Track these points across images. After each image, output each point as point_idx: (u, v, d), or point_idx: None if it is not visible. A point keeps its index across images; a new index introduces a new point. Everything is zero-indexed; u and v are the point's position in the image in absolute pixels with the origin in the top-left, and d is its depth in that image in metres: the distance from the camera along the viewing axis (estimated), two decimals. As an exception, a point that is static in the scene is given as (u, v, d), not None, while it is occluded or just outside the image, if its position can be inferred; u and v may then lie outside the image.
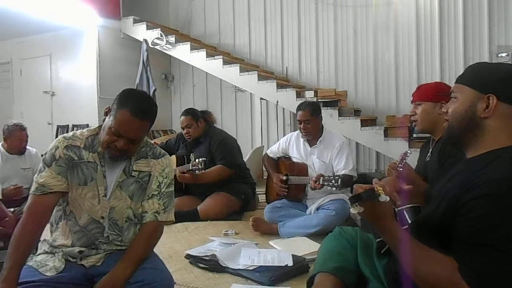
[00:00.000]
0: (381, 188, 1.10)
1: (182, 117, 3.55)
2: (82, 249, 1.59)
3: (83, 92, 6.11)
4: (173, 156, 3.61)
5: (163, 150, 1.83)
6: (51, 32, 6.19)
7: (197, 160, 3.16)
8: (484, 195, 0.99)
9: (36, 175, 1.59)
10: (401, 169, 1.84)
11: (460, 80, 1.22)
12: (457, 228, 1.03)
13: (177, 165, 3.50)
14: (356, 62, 5.82)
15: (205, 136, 3.53)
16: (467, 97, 1.17)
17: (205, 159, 3.12)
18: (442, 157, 1.98)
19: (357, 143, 5.38)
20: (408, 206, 1.39)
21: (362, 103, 5.67)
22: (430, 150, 2.11)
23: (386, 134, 4.69)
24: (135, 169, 1.69)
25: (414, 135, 4.70)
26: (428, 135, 2.22)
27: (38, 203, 1.54)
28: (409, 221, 1.35)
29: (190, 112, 3.56)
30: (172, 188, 1.78)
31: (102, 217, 1.63)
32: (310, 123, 2.95)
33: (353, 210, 1.09)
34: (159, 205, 1.70)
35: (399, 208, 1.40)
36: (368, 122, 5.06)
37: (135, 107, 1.55)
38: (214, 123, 3.76)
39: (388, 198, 1.09)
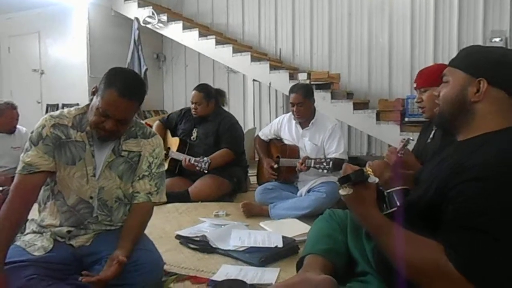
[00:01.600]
0: (370, 170, 1.09)
1: (194, 92, 3.49)
2: (71, 229, 1.59)
3: (73, 70, 6.00)
4: (176, 138, 3.58)
5: (153, 130, 1.81)
6: (40, 8, 6.03)
7: (202, 157, 3.10)
8: (474, 178, 0.98)
9: (22, 154, 1.56)
10: (401, 155, 1.84)
11: (452, 63, 1.21)
12: (446, 212, 1.03)
13: (178, 149, 3.47)
14: (350, 44, 5.76)
15: (214, 115, 3.49)
16: (458, 80, 1.16)
17: (209, 161, 3.06)
18: (445, 141, 1.97)
19: (349, 126, 5.37)
20: (397, 188, 1.38)
21: (355, 86, 5.64)
22: (433, 132, 2.09)
23: (378, 118, 4.68)
24: (125, 149, 1.68)
25: (406, 119, 4.72)
26: (424, 118, 2.20)
27: (24, 183, 1.52)
28: (398, 204, 1.36)
29: (203, 90, 3.50)
30: (163, 169, 1.77)
31: (91, 197, 1.62)
32: (302, 105, 2.93)
33: (341, 192, 1.09)
34: (150, 186, 1.69)
35: (389, 190, 1.40)
36: (361, 105, 5.05)
37: (122, 87, 1.51)
38: (224, 105, 3.70)
39: (376, 180, 1.09)
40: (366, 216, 1.11)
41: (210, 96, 3.49)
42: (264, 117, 6.08)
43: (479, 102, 1.11)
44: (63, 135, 1.60)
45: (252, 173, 3.87)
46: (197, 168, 3.06)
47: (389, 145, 4.52)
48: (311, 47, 6.02)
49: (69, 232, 1.58)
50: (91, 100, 1.61)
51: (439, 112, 1.23)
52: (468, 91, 1.13)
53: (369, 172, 1.06)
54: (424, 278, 1.01)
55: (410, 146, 2.04)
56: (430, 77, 2.03)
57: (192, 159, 3.12)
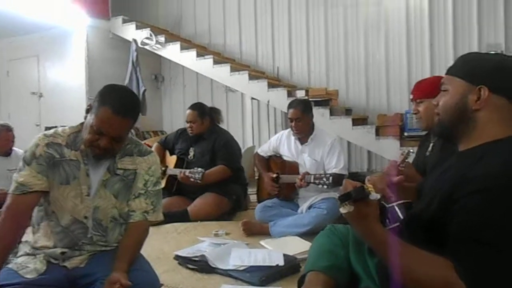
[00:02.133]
0: (371, 186, 1.05)
1: (189, 111, 3.52)
2: (65, 250, 1.54)
3: (71, 93, 6.02)
4: (174, 156, 3.57)
5: (149, 148, 1.78)
6: (39, 32, 6.10)
7: (195, 168, 3.10)
8: (478, 190, 0.95)
9: (15, 174, 1.53)
10: (403, 168, 1.81)
11: (450, 71, 1.19)
12: (451, 225, 0.98)
13: (176, 165, 3.46)
14: (347, 61, 5.80)
15: (209, 133, 3.49)
16: (457, 89, 1.13)
17: (203, 170, 3.06)
18: (444, 153, 1.95)
19: (348, 142, 5.36)
20: (399, 202, 1.35)
21: (353, 102, 5.65)
22: (431, 145, 2.07)
23: (377, 133, 4.67)
24: (120, 167, 1.64)
25: (406, 134, 4.70)
26: (423, 133, 2.18)
27: (17, 203, 1.48)
28: (401, 217, 1.32)
29: (197, 108, 3.52)
30: (159, 187, 1.73)
31: (86, 217, 1.57)
32: (301, 121, 2.92)
33: (342, 210, 1.04)
34: (147, 205, 1.65)
35: (390, 205, 1.37)
36: (360, 121, 5.05)
37: (117, 105, 1.49)
38: (219, 123, 3.70)
39: (378, 196, 1.04)
40: (369, 233, 1.06)
41: (204, 114, 3.50)
42: (263, 135, 6.07)
43: (480, 110, 1.08)
44: (57, 154, 1.57)
45: (252, 191, 3.82)
46: (191, 179, 3.03)
47: (389, 160, 4.48)
48: (308, 65, 6.06)
49: (63, 253, 1.53)
50: (85, 118, 1.58)
51: (439, 121, 1.20)
52: (469, 99, 1.10)
53: (370, 189, 1.02)
54: None
55: (410, 159, 2.02)
56: (426, 89, 2.03)
57: (187, 171, 3.10)
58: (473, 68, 1.12)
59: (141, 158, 1.70)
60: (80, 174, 1.58)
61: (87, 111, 1.57)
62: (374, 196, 1.00)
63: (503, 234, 0.90)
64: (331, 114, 4.87)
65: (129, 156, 1.68)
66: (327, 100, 5.01)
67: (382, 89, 5.56)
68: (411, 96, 2.11)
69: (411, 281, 0.99)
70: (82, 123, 1.63)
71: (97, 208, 1.59)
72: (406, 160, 1.83)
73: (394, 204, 1.34)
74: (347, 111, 5.18)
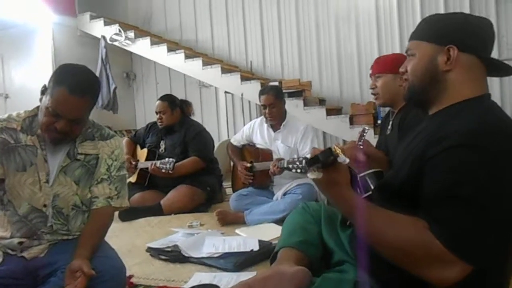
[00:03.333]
0: (339, 149, 1.01)
1: (158, 102, 3.45)
2: (22, 240, 1.45)
3: (39, 93, 5.79)
4: (145, 149, 3.48)
5: (112, 131, 1.70)
6: (2, 30, 5.83)
7: (166, 159, 3.02)
8: (452, 146, 0.92)
9: None
10: (361, 147, 1.79)
11: (415, 36, 1.16)
12: (425, 186, 0.95)
13: (147, 159, 3.37)
14: (320, 53, 5.80)
15: (180, 125, 3.42)
16: (425, 52, 1.10)
17: (174, 160, 2.98)
18: (402, 129, 1.94)
19: (323, 132, 5.36)
20: (370, 171, 1.33)
21: (327, 93, 5.66)
22: (390, 123, 2.07)
23: (351, 122, 4.68)
24: (81, 152, 1.56)
25: (379, 122, 4.73)
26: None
27: (-32, 192, 1.39)
28: (372, 187, 1.29)
29: (167, 99, 3.46)
30: (124, 172, 1.66)
31: (45, 205, 1.49)
32: (275, 106, 2.88)
33: (310, 175, 1.00)
34: (110, 190, 1.58)
35: (361, 175, 1.34)
36: (334, 111, 5.05)
37: (73, 84, 1.41)
38: (190, 115, 3.62)
39: (347, 160, 1.00)
40: (341, 199, 1.01)
41: (175, 105, 3.44)
42: (238, 129, 5.98)
43: (451, 71, 1.06)
44: (12, 139, 1.48)
45: (227, 185, 3.76)
46: (163, 170, 2.95)
47: (344, 140, 4.52)
48: (281, 58, 6.03)
49: (20, 243, 1.44)
50: (40, 100, 1.50)
51: (409, 87, 1.17)
52: (438, 61, 1.07)
53: (337, 152, 0.97)
54: (409, 259, 0.92)
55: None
56: (385, 64, 2.02)
57: (158, 162, 3.02)
58: (439, 29, 1.10)
59: (103, 142, 1.62)
60: (37, 160, 1.49)
61: (42, 92, 1.49)
62: (343, 158, 0.96)
63: (479, 189, 0.88)
64: (305, 105, 4.85)
65: (90, 141, 1.60)
66: (300, 91, 4.98)
67: (354, 79, 5.59)
68: (370, 71, 2.10)
69: (385, 244, 0.95)
70: (38, 107, 1.55)
71: (57, 195, 1.51)
72: (364, 138, 1.80)
73: (365, 173, 1.31)
74: (321, 102, 5.17)
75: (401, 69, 1.22)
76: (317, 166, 0.98)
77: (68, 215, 1.52)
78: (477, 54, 1.06)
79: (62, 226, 1.51)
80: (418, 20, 5.17)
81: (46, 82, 1.48)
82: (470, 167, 0.89)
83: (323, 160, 0.96)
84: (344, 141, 5.48)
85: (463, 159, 0.90)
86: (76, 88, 1.41)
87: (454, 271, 0.87)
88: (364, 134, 1.71)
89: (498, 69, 1.10)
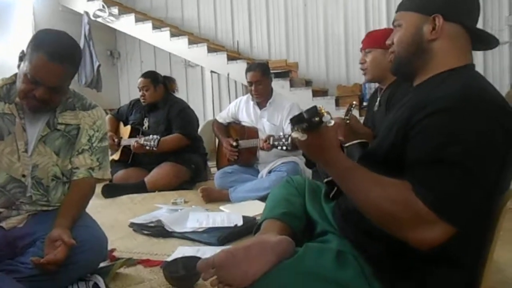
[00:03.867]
0: (324, 110, 0.98)
1: (141, 78, 3.37)
2: (0, 210, 1.42)
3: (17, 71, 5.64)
4: (128, 126, 3.42)
5: (93, 102, 1.66)
6: (-22, 4, 5.65)
7: (151, 136, 2.95)
8: (437, 110, 0.92)
9: None
10: (348, 121, 1.79)
11: (401, 7, 1.16)
12: (410, 150, 0.95)
13: (130, 136, 3.32)
14: (307, 35, 5.76)
15: (164, 102, 3.36)
16: (411, 22, 1.10)
17: (158, 137, 2.92)
18: (390, 105, 1.94)
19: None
20: (355, 142, 1.32)
21: (313, 74, 5.64)
22: (378, 99, 2.07)
23: (337, 103, 4.69)
24: (61, 122, 1.52)
25: (364, 103, 4.75)
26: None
27: None
28: (357, 158, 1.29)
29: (149, 75, 3.38)
30: (106, 143, 1.63)
31: (24, 175, 1.45)
32: (261, 83, 2.85)
33: (294, 134, 0.97)
34: (91, 161, 1.55)
35: (346, 145, 1.34)
36: (320, 92, 5.05)
37: (52, 50, 1.37)
38: (174, 92, 3.55)
39: (332, 122, 0.97)
40: (329, 161, 1.00)
41: (157, 81, 3.37)
42: (223, 109, 5.93)
43: (436, 40, 1.05)
44: (-12, 107, 1.43)
45: (212, 164, 3.74)
46: (147, 147, 2.90)
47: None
48: (268, 38, 5.97)
49: (-2, 213, 1.41)
50: (18, 67, 1.44)
51: (395, 58, 1.16)
52: (424, 30, 1.07)
53: (323, 111, 0.94)
54: (391, 218, 0.92)
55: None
56: (376, 39, 2.02)
57: (141, 139, 2.96)
58: None
59: (85, 112, 1.59)
60: (15, 128, 1.45)
61: (20, 58, 1.44)
62: (327, 118, 0.93)
63: (463, 151, 0.87)
64: (291, 85, 4.83)
65: (71, 111, 1.56)
66: (287, 72, 4.96)
67: (341, 61, 5.58)
68: (361, 46, 2.09)
69: (369, 206, 0.95)
70: (15, 74, 1.49)
71: (36, 166, 1.47)
72: (350, 112, 1.80)
73: (350, 143, 1.30)
74: (307, 83, 5.17)
75: (388, 41, 1.21)
76: (301, 126, 0.95)
77: (48, 186, 1.49)
78: (463, 24, 1.05)
79: (42, 197, 1.48)
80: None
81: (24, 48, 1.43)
82: (453, 130, 0.90)
83: (308, 118, 0.93)
84: (330, 123, 5.50)
85: (446, 122, 0.91)
86: (56, 54, 1.37)
87: (435, 232, 0.88)
88: (352, 108, 1.70)
89: (484, 40, 1.10)
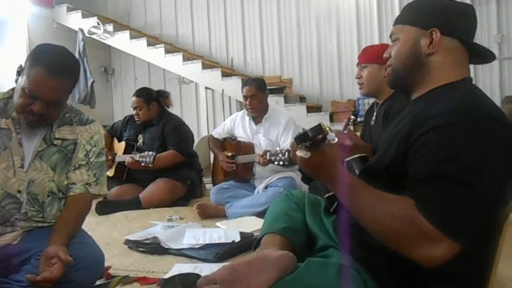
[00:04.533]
0: (327, 127, 0.99)
1: (134, 98, 3.34)
2: (-6, 226, 1.38)
3: (13, 82, 5.60)
4: (123, 143, 3.39)
5: (91, 117, 1.65)
6: (-27, 21, 5.65)
7: (146, 152, 2.94)
8: (437, 126, 0.92)
9: None
10: (346, 134, 1.80)
11: (399, 20, 1.17)
12: (410, 166, 0.95)
13: (125, 152, 3.28)
14: (300, 52, 5.83)
15: (158, 119, 3.34)
16: (409, 35, 1.11)
17: (155, 153, 2.91)
18: (387, 120, 1.96)
19: (303, 128, 5.38)
20: (355, 156, 1.32)
21: (307, 91, 5.69)
22: (375, 114, 2.09)
23: (331, 119, 4.72)
24: (58, 137, 1.51)
25: (359, 119, 4.78)
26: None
27: None
28: (357, 172, 1.29)
29: (142, 94, 3.35)
30: (103, 158, 1.61)
31: (19, 191, 1.43)
32: (256, 98, 2.86)
33: (299, 153, 0.97)
34: (88, 176, 1.53)
35: (347, 159, 1.33)
36: (314, 109, 5.08)
37: (51, 64, 1.36)
38: (169, 107, 3.54)
39: (336, 139, 0.98)
40: (333, 178, 0.99)
41: (151, 99, 3.34)
42: (218, 125, 5.96)
43: (434, 54, 1.06)
44: (-16, 122, 1.41)
45: (207, 180, 3.71)
46: (142, 163, 2.88)
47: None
48: (262, 55, 6.03)
49: (-8, 230, 1.38)
50: (16, 81, 1.44)
51: (392, 71, 1.17)
52: (421, 44, 1.08)
53: (327, 129, 0.95)
54: (397, 237, 0.91)
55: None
56: (372, 55, 2.05)
57: (137, 156, 2.93)
58: (422, 13, 1.11)
59: (82, 127, 1.58)
60: (12, 144, 1.44)
61: (18, 73, 1.43)
62: (332, 135, 0.94)
63: (464, 167, 0.88)
64: (286, 101, 4.86)
65: (68, 126, 1.55)
66: (281, 88, 5.00)
67: (334, 77, 5.64)
68: (357, 61, 2.13)
69: (374, 221, 0.94)
70: (13, 89, 1.48)
71: (32, 181, 1.45)
72: (348, 127, 1.82)
73: (350, 158, 1.30)
74: (301, 99, 5.20)
75: (385, 55, 1.22)
76: (305, 143, 0.95)
77: (44, 202, 1.46)
78: (460, 38, 1.07)
79: (37, 213, 1.45)
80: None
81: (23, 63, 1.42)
82: (454, 145, 0.90)
83: (312, 136, 0.93)
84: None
85: (447, 137, 0.91)
86: (54, 68, 1.36)
87: (440, 249, 0.87)
88: (350, 122, 1.71)
89: (480, 54, 1.12)
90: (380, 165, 1.09)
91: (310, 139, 0.94)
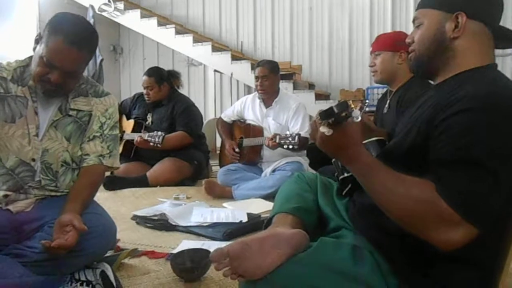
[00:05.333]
0: (353, 105, 0.98)
1: (145, 77, 3.33)
2: (8, 193, 1.39)
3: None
4: (131, 120, 3.39)
5: (106, 90, 1.64)
6: (-17, -7, 5.62)
7: (155, 132, 2.94)
8: (462, 110, 0.90)
9: None
10: (360, 118, 1.79)
11: (423, 4, 1.14)
12: (433, 150, 0.94)
13: (133, 131, 3.29)
14: (311, 38, 5.78)
15: (168, 99, 3.34)
16: (433, 19, 1.09)
17: (163, 134, 2.91)
18: (400, 107, 1.95)
19: (310, 116, 5.36)
20: (372, 139, 1.31)
21: (316, 78, 5.65)
22: (388, 101, 2.08)
23: (340, 108, 4.68)
24: (73, 108, 1.51)
25: (367, 109, 4.75)
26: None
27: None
28: (374, 155, 1.28)
29: (153, 73, 3.34)
30: (116, 131, 1.61)
31: (33, 159, 1.43)
32: (267, 80, 2.85)
33: (322, 129, 0.96)
34: (102, 148, 1.53)
35: (365, 142, 1.33)
36: (322, 96, 5.06)
37: (70, 34, 1.35)
38: (179, 88, 3.53)
39: (360, 117, 0.97)
40: (352, 157, 0.98)
41: (162, 79, 3.33)
42: (225, 108, 5.94)
43: (459, 38, 1.04)
44: (1, 88, 1.42)
45: (214, 163, 3.72)
46: (151, 143, 2.88)
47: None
48: (272, 41, 5.98)
49: (6, 196, 1.39)
50: (34, 49, 1.43)
51: (416, 56, 1.15)
52: (446, 28, 1.05)
53: (352, 106, 0.94)
54: (415, 219, 0.90)
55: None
56: (385, 42, 2.05)
57: (146, 135, 2.94)
58: None
59: (97, 99, 1.57)
60: (27, 112, 1.44)
61: (37, 41, 1.42)
62: (357, 113, 0.93)
63: (489, 152, 0.87)
64: (295, 88, 4.84)
65: (84, 97, 1.55)
66: (290, 74, 4.97)
67: (344, 66, 5.60)
68: (371, 49, 2.12)
69: (392, 205, 0.94)
70: (30, 57, 1.48)
71: (47, 150, 1.45)
72: (363, 110, 1.81)
73: (367, 141, 1.29)
74: (310, 86, 5.17)
75: (408, 40, 1.20)
76: (329, 120, 0.94)
77: (57, 172, 1.47)
78: (485, 22, 1.05)
79: (51, 182, 1.46)
80: (412, 8, 5.20)
81: (41, 31, 1.42)
82: (479, 130, 0.89)
83: (338, 112, 0.92)
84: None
85: (473, 122, 0.89)
86: (74, 38, 1.35)
87: (459, 233, 0.87)
88: (364, 106, 1.70)
89: (507, 38, 1.10)
90: (399, 149, 1.08)
91: (335, 115, 0.92)
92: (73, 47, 1.36)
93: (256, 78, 2.87)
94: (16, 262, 1.27)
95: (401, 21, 5.32)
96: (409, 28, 5.18)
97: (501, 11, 1.10)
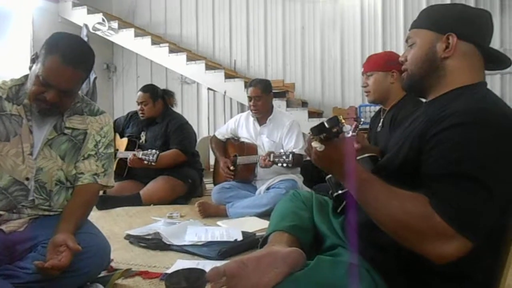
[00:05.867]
0: (343, 121, 0.99)
1: (140, 93, 3.34)
2: (1, 212, 1.38)
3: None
4: (125, 139, 3.38)
5: (101, 108, 1.65)
6: (-23, 13, 5.63)
7: (149, 150, 2.93)
8: (453, 125, 0.93)
9: None
10: (355, 136, 1.81)
11: (415, 24, 1.18)
12: (425, 164, 0.95)
13: (127, 149, 3.26)
14: (304, 57, 5.86)
15: (162, 117, 3.34)
16: (425, 39, 1.12)
17: (158, 152, 2.91)
18: (394, 126, 1.97)
19: (303, 134, 5.39)
20: (365, 155, 1.32)
21: (309, 96, 5.71)
22: (381, 120, 2.10)
23: (333, 125, 4.72)
24: (68, 126, 1.51)
25: (360, 127, 4.79)
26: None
27: None
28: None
29: (148, 90, 3.34)
30: (111, 150, 1.61)
31: (27, 178, 1.42)
32: (260, 100, 2.86)
33: (314, 144, 0.98)
34: (97, 167, 1.52)
35: (358, 158, 1.34)
36: (315, 114, 5.10)
37: (67, 53, 1.37)
38: (173, 106, 3.53)
39: (351, 132, 0.99)
40: (346, 172, 0.99)
41: (157, 96, 3.34)
42: (218, 126, 5.96)
43: (450, 58, 1.08)
44: (-4, 107, 1.41)
45: (208, 181, 3.71)
46: (145, 161, 2.87)
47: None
48: (265, 59, 6.05)
49: (-2, 216, 1.37)
50: (30, 68, 1.44)
51: (408, 75, 1.18)
52: (437, 48, 1.09)
53: (343, 121, 0.96)
54: (409, 233, 0.91)
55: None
56: (376, 62, 2.08)
57: (140, 153, 2.93)
58: (439, 17, 1.12)
59: (92, 117, 1.58)
60: (22, 130, 1.43)
61: (33, 60, 1.43)
62: (347, 128, 0.95)
63: (480, 166, 0.88)
64: (288, 106, 4.88)
65: (79, 115, 1.55)
66: (284, 92, 5.02)
67: (336, 83, 5.67)
68: (362, 70, 2.15)
69: (386, 219, 0.95)
70: (26, 76, 1.48)
71: (41, 169, 1.44)
72: (357, 130, 1.83)
73: (360, 157, 1.31)
74: (303, 104, 5.22)
75: (401, 58, 1.23)
76: (321, 136, 0.95)
77: (51, 191, 1.46)
78: (476, 43, 1.08)
79: (44, 201, 1.44)
80: (402, 28, 5.32)
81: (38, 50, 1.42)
82: (470, 144, 0.90)
83: (329, 128, 0.94)
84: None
85: (463, 137, 0.91)
86: (70, 58, 1.37)
87: (453, 246, 0.87)
88: (359, 125, 1.73)
89: (496, 60, 1.13)
90: (392, 164, 1.09)
91: (326, 130, 0.94)
92: (69, 66, 1.37)
93: (249, 98, 2.89)
94: (8, 283, 1.24)
95: (391, 40, 5.42)
96: (399, 48, 5.29)
97: (491, 33, 1.13)
